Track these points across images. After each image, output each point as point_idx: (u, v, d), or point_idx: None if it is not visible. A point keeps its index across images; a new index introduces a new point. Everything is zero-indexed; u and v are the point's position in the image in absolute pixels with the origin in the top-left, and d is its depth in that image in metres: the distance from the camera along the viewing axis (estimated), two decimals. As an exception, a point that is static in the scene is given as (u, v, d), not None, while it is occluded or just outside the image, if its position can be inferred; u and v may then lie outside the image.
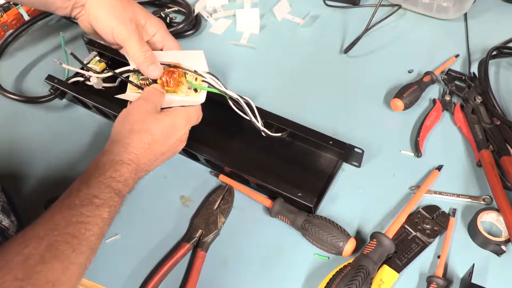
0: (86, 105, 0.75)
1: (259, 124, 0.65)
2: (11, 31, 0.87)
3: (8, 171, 0.69)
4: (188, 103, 0.62)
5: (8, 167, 0.69)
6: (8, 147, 0.72)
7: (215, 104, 0.67)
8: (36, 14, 0.88)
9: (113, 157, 0.54)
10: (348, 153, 0.65)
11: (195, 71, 0.62)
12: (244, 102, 0.64)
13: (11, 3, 0.88)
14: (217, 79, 0.63)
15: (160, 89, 0.62)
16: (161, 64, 0.63)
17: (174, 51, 0.66)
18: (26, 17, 0.88)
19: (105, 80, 0.72)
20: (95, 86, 0.72)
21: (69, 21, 0.92)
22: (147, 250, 0.60)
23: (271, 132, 0.66)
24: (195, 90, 0.63)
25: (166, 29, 0.66)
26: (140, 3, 0.90)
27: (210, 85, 0.63)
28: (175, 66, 0.62)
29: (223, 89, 0.63)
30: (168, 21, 0.86)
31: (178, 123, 0.60)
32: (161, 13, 0.85)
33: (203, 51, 0.62)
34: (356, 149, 0.64)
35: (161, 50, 0.66)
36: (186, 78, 0.63)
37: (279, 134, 0.67)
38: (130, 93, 0.65)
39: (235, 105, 0.65)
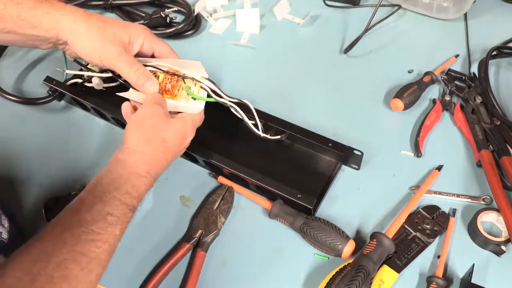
0: (84, 107, 0.75)
1: (260, 131, 0.64)
2: (11, 31, 0.87)
3: (6, 172, 0.69)
4: (187, 109, 0.62)
5: (7, 168, 0.69)
6: (6, 148, 0.72)
7: (214, 106, 0.67)
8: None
9: (130, 169, 0.53)
10: (347, 155, 0.65)
11: (192, 78, 0.62)
12: (242, 110, 0.63)
13: None
14: (215, 84, 0.63)
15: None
16: (160, 70, 0.63)
17: (172, 59, 0.65)
18: (26, 17, 0.88)
19: (105, 80, 0.72)
20: (96, 87, 0.72)
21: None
22: (147, 250, 0.60)
23: (270, 134, 0.66)
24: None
25: (151, 34, 0.65)
26: (140, 3, 0.91)
27: (208, 94, 0.63)
28: (174, 74, 0.62)
29: (222, 100, 0.63)
30: (168, 21, 0.86)
31: (187, 130, 0.59)
32: (161, 13, 0.85)
33: (200, 62, 0.62)
34: (355, 151, 0.64)
35: (153, 55, 0.65)
36: (185, 82, 0.63)
37: (278, 137, 0.66)
38: (133, 92, 0.64)
39: (236, 111, 0.65)
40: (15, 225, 0.59)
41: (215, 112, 0.67)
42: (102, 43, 0.60)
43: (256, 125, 0.65)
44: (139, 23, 0.85)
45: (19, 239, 0.58)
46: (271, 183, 0.62)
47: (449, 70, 0.77)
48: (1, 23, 0.59)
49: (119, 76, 0.66)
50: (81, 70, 0.73)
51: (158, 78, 0.63)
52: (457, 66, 0.80)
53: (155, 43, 0.65)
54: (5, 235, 0.55)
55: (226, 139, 0.70)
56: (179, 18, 0.89)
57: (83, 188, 0.63)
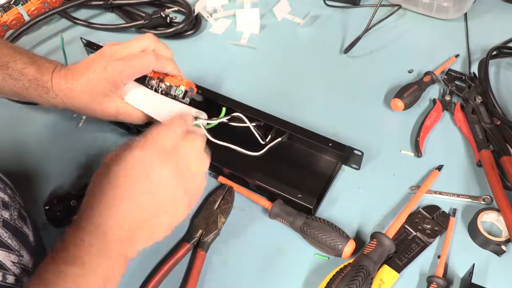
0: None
1: (256, 153, 0.65)
2: (11, 31, 0.87)
3: (7, 172, 0.68)
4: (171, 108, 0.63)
5: (7, 169, 0.69)
6: (6, 148, 0.72)
7: (213, 106, 0.67)
8: (36, 14, 0.88)
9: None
10: (347, 155, 0.65)
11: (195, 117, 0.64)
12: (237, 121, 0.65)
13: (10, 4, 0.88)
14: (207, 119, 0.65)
15: None
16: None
17: (171, 102, 0.65)
18: (26, 17, 0.88)
19: None
20: None
21: (69, 22, 0.92)
22: (147, 250, 0.60)
23: (270, 135, 0.67)
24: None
25: (131, 71, 0.61)
26: (140, 3, 0.91)
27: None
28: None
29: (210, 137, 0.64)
30: (168, 21, 0.86)
31: (146, 154, 0.48)
32: (161, 13, 0.85)
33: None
34: (355, 151, 0.64)
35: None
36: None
37: (279, 139, 0.66)
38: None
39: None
40: (37, 229, 0.60)
41: (213, 111, 0.67)
42: (96, 112, 0.64)
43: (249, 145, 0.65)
44: (139, 23, 0.86)
45: (41, 242, 0.58)
46: (271, 183, 0.62)
47: (449, 70, 0.77)
48: (0, 91, 0.63)
49: None
50: None
51: None
52: (457, 66, 0.80)
53: (138, 74, 0.63)
54: (31, 238, 0.55)
55: (226, 140, 0.70)
56: (179, 18, 0.89)
57: (82, 188, 0.64)
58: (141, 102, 0.64)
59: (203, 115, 0.65)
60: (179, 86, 0.64)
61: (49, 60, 0.64)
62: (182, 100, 0.65)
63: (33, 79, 0.61)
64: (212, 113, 0.65)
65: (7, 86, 0.62)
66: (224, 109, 0.66)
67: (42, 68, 0.62)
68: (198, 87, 0.70)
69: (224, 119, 0.65)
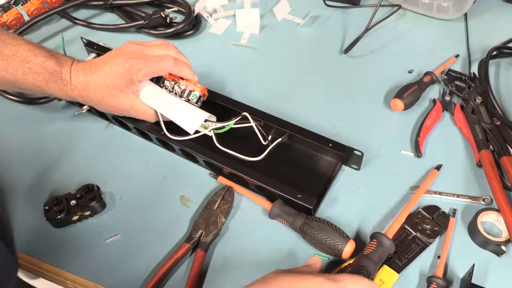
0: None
1: (257, 157, 0.65)
2: (11, 31, 0.87)
3: (6, 171, 0.69)
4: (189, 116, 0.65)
5: (6, 168, 0.69)
6: (6, 147, 0.72)
7: (213, 105, 0.67)
8: (36, 14, 0.88)
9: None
10: (347, 155, 0.65)
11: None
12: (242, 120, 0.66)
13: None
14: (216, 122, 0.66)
15: None
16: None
17: (184, 104, 0.66)
18: (26, 17, 0.88)
19: None
20: None
21: (69, 22, 0.92)
22: (147, 250, 0.60)
23: (271, 135, 0.67)
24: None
25: (150, 70, 0.64)
26: (140, 3, 0.91)
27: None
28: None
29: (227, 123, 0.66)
30: (168, 21, 0.86)
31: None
32: (161, 13, 0.85)
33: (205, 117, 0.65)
34: (355, 152, 0.64)
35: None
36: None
37: (279, 140, 0.66)
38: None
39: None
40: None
41: (214, 111, 0.67)
42: (111, 106, 0.66)
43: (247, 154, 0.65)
44: (139, 23, 0.86)
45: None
46: (271, 183, 0.62)
47: (449, 70, 0.77)
48: (20, 86, 0.64)
49: None
50: None
51: None
52: (457, 66, 0.80)
53: (155, 74, 0.66)
54: None
55: (226, 139, 0.70)
56: (179, 18, 0.89)
57: (82, 188, 0.64)
58: (155, 101, 0.66)
59: (214, 118, 0.66)
60: (194, 91, 0.66)
61: (66, 55, 0.66)
62: (195, 104, 0.66)
63: (53, 71, 0.63)
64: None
65: (28, 80, 0.63)
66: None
67: (61, 61, 0.64)
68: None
69: (234, 121, 0.66)
